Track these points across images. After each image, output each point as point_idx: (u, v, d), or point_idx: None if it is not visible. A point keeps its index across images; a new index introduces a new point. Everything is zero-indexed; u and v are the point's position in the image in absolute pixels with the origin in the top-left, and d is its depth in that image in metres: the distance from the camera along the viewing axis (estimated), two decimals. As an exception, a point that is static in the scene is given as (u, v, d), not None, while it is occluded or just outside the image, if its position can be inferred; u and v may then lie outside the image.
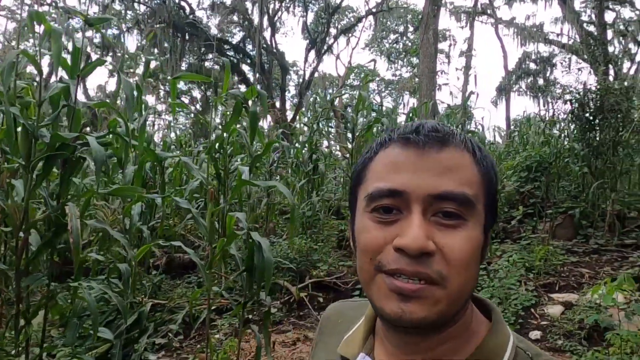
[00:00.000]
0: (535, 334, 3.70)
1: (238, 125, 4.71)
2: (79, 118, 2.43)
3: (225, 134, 3.52)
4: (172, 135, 8.51)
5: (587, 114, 6.42)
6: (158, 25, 27.43)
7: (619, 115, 6.26)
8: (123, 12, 28.21)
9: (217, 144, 4.95)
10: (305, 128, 6.64)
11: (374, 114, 6.60)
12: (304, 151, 5.95)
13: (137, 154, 3.26)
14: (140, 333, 3.63)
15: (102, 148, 2.08)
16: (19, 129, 2.30)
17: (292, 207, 2.38)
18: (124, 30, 29.16)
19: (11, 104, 2.25)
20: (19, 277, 2.32)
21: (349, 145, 5.53)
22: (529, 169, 6.47)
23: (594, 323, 3.39)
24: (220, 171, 5.26)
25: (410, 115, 6.19)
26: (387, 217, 0.61)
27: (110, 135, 2.62)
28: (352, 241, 0.71)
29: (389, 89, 38.74)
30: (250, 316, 3.90)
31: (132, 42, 27.73)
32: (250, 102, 2.68)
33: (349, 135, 5.65)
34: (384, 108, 6.48)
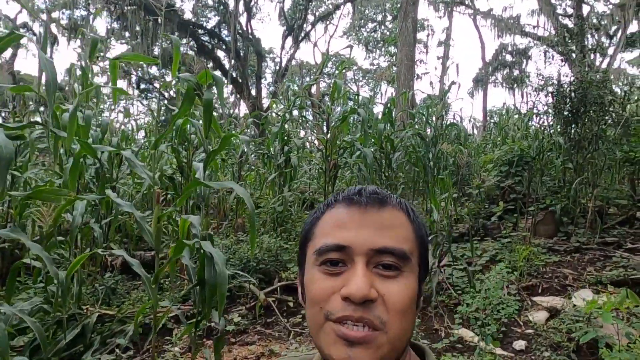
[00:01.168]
0: (519, 344, 3.44)
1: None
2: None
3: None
4: (132, 124, 7.98)
5: (568, 106, 6.21)
6: (129, 8, 26.42)
7: (601, 108, 6.06)
8: (91, -8, 27.04)
9: (179, 135, 4.53)
10: (277, 116, 6.24)
11: (350, 104, 6.26)
12: (275, 143, 5.56)
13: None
14: (85, 349, 3.23)
15: (9, 142, 1.66)
16: None
17: (251, 213, 2.01)
18: (92, 11, 28.03)
19: None
20: None
21: (324, 137, 5.16)
22: (510, 163, 6.23)
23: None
24: (182, 164, 4.85)
25: (389, 105, 5.86)
26: (333, 270, 0.69)
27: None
28: (300, 294, 0.78)
29: (367, 78, 38.48)
30: (203, 336, 3.54)
31: (102, 24, 26.63)
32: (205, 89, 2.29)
33: (324, 126, 5.28)
34: (360, 98, 6.12)
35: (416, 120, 6.41)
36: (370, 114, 5.85)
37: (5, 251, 4.12)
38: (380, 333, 0.64)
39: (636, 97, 5.66)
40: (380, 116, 5.78)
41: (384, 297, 0.65)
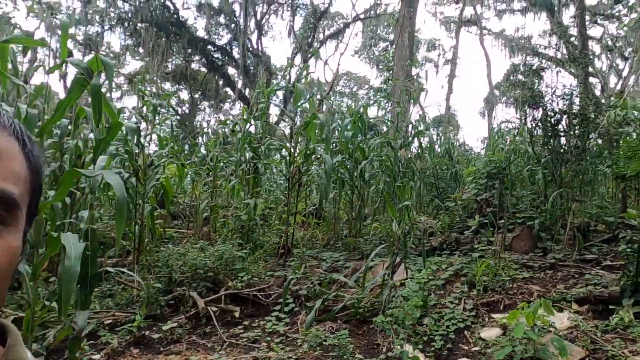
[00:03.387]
0: (460, 362, 3.18)
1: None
2: None
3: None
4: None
5: (552, 119, 5.98)
6: (141, 25, 27.00)
7: (584, 122, 5.82)
8: (106, 9, 27.72)
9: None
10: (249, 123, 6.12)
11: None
12: (240, 149, 5.43)
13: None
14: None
15: None
16: None
17: (119, 205, 1.85)
18: (107, 28, 28.68)
19: None
20: None
21: (287, 144, 5.02)
22: (489, 175, 5.99)
23: (514, 355, 2.87)
24: (137, 167, 4.74)
25: (360, 113, 5.69)
26: None
27: None
28: None
29: (379, 96, 38.45)
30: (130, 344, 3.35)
31: (116, 41, 27.19)
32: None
33: (288, 132, 5.15)
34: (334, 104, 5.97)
35: (388, 129, 6.24)
36: (343, 120, 5.70)
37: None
38: None
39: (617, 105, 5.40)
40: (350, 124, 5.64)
41: None
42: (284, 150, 5.58)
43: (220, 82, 30.50)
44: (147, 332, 3.73)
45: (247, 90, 27.51)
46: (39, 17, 28.26)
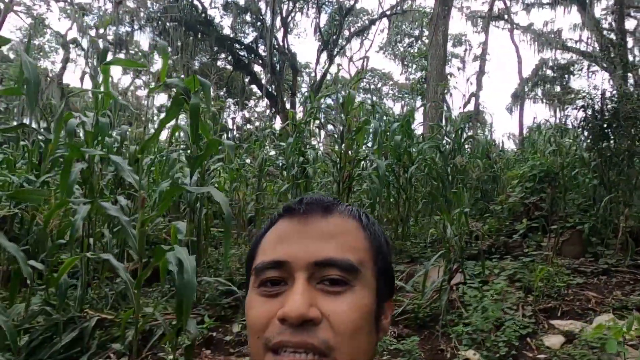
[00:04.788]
0: (528, 370, 3.23)
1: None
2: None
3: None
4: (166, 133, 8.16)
5: (601, 122, 5.92)
6: (170, 24, 27.41)
7: (636, 123, 5.75)
8: (136, 9, 28.20)
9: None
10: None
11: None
12: (290, 153, 5.54)
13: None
14: (82, 352, 3.25)
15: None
16: None
17: (226, 217, 1.97)
18: (137, 27, 29.17)
19: None
20: None
21: (338, 148, 5.10)
22: (535, 179, 5.97)
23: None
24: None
25: (407, 117, 5.75)
26: (273, 290, 0.61)
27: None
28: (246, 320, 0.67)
29: (402, 93, 38.25)
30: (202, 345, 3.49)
31: (145, 40, 27.65)
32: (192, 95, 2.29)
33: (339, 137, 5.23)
34: (382, 108, 6.03)
35: (435, 132, 6.27)
36: (387, 125, 5.76)
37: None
38: None
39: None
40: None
41: (329, 318, 0.57)
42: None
43: (246, 80, 30.78)
44: (214, 334, 3.88)
45: (270, 87, 27.72)
46: (71, 19, 28.93)
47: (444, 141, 5.86)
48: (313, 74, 33.56)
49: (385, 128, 5.33)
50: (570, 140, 7.40)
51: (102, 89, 3.06)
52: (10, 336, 2.06)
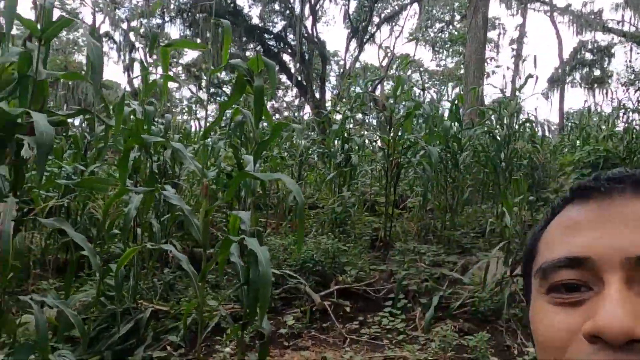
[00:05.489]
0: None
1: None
2: (43, 92, 1.97)
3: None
4: (194, 123, 8.13)
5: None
6: (200, 15, 27.53)
7: None
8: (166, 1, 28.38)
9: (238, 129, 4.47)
10: (338, 117, 6.08)
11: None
12: (335, 141, 5.38)
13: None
14: (138, 343, 3.20)
15: (51, 128, 1.60)
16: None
17: (299, 207, 1.83)
18: (167, 19, 29.41)
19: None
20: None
21: (386, 135, 4.91)
22: (594, 165, 5.64)
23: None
24: (241, 161, 4.78)
25: (456, 102, 5.49)
26: (570, 297, 0.45)
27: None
28: (532, 334, 0.50)
29: (433, 80, 37.49)
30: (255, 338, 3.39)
31: (175, 32, 27.81)
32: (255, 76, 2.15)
33: (387, 124, 5.03)
34: (426, 95, 5.79)
35: (487, 118, 5.98)
36: (435, 111, 5.52)
37: (70, 245, 4.24)
38: None
39: None
40: (447, 114, 5.44)
41: None
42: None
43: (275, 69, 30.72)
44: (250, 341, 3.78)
45: (299, 76, 27.55)
46: (103, 12, 29.39)
47: (497, 126, 5.58)
48: (342, 62, 33.19)
49: (433, 113, 5.10)
50: (626, 124, 6.98)
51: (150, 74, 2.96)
52: (79, 328, 1.99)
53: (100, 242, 3.36)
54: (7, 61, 1.85)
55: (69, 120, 3.44)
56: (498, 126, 5.81)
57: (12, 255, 1.51)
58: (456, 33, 32.34)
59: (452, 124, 5.46)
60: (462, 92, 10.15)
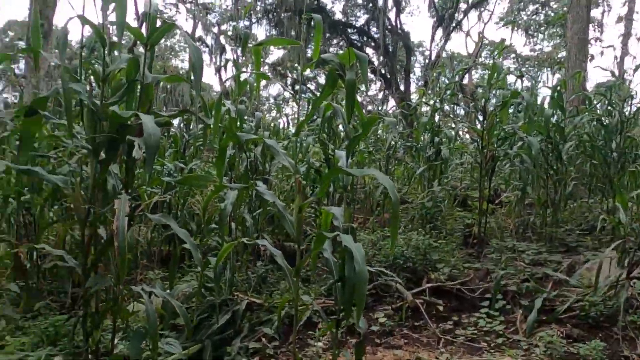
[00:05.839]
0: None
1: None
2: (149, 95, 2.09)
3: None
4: (283, 120, 8.31)
5: None
6: (285, 15, 28.22)
7: None
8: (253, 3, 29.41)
9: (326, 125, 4.48)
10: (427, 109, 5.88)
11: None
12: (424, 134, 5.21)
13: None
14: (235, 334, 3.33)
15: (157, 129, 1.68)
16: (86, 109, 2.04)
17: (394, 204, 1.77)
18: (254, 21, 30.48)
19: (74, 79, 1.98)
20: (86, 276, 2.08)
21: (479, 126, 4.65)
22: None
23: None
24: (329, 156, 4.80)
25: (558, 88, 5.05)
26: None
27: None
28: None
29: (526, 66, 35.17)
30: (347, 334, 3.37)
31: (261, 32, 28.74)
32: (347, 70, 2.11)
33: (480, 115, 4.77)
34: (522, 82, 5.41)
35: (594, 104, 5.44)
36: (534, 99, 5.13)
37: (173, 238, 4.52)
38: None
39: None
40: (547, 101, 5.01)
41: None
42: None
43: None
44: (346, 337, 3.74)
45: (383, 69, 27.17)
46: (196, 18, 31.16)
47: (605, 113, 5.06)
48: (427, 53, 32.27)
49: (533, 101, 4.73)
50: None
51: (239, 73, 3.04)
52: (184, 318, 2.10)
53: (200, 235, 3.54)
54: (118, 68, 1.99)
55: (170, 121, 3.64)
56: (607, 113, 5.26)
57: (127, 248, 1.62)
58: (552, 14, 30.00)
59: (554, 111, 5.04)
60: (563, 77, 9.38)
